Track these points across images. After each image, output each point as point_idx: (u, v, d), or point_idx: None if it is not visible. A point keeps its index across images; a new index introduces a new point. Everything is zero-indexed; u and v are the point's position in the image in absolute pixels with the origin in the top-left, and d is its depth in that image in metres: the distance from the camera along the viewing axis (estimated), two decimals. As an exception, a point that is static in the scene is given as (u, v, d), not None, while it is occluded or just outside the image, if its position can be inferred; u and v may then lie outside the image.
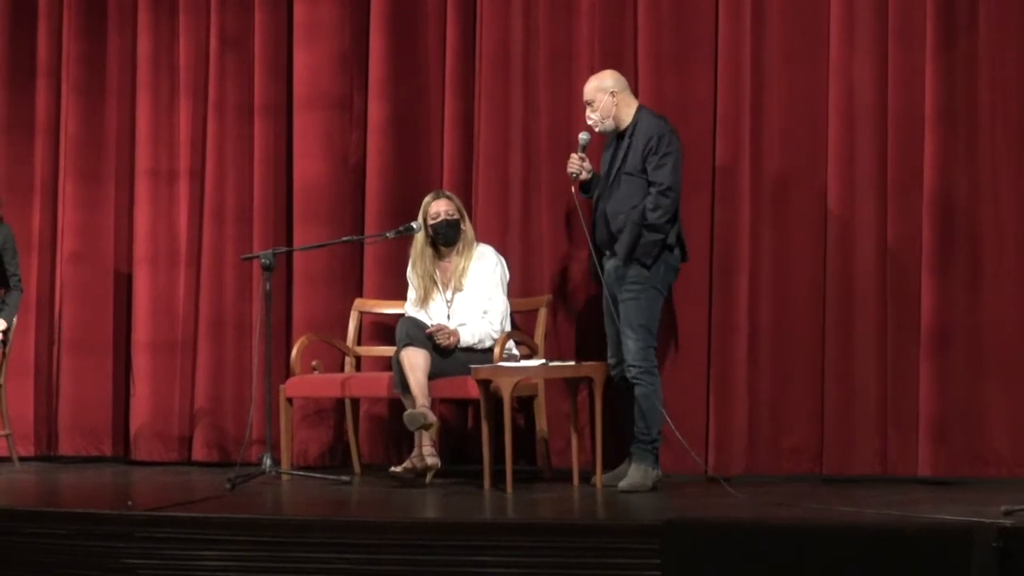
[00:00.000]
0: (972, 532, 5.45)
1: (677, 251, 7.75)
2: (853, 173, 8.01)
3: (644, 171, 7.68)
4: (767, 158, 8.15)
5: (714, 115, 8.22)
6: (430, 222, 8.19)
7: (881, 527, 5.82)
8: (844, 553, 5.51)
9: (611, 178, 7.77)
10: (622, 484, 7.58)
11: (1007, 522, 5.87)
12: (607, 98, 7.76)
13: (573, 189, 7.87)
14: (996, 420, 7.78)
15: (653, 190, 7.64)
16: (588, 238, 7.83)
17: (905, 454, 7.85)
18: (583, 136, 7.83)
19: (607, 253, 7.80)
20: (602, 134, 7.86)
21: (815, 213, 8.08)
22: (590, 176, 7.88)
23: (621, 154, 7.76)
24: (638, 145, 7.69)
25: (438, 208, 8.18)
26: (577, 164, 7.83)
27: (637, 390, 7.64)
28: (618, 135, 7.81)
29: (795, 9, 8.15)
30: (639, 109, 7.81)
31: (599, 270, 7.83)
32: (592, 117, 7.80)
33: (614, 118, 7.78)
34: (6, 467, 8.79)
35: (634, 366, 7.64)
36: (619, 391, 7.85)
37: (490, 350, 7.99)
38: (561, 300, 8.47)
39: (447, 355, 7.97)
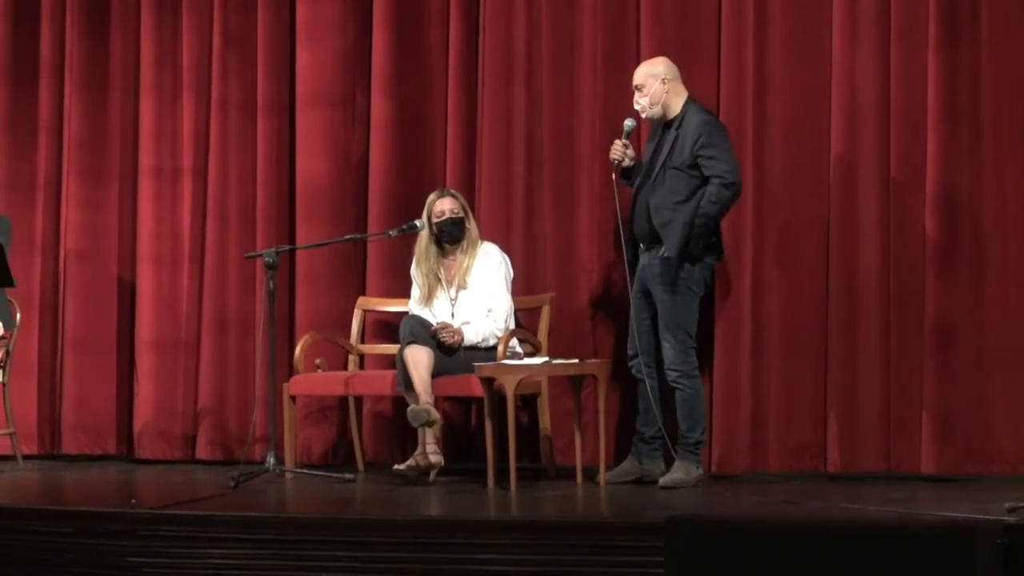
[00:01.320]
0: (976, 529, 5.45)
1: (715, 249, 7.74)
2: (856, 171, 8.01)
3: (692, 166, 7.60)
4: (770, 156, 8.15)
5: (717, 113, 8.20)
6: (434, 220, 8.18)
7: (885, 525, 5.82)
8: (848, 551, 5.51)
9: (655, 170, 7.69)
10: (664, 480, 7.58)
11: (1011, 519, 5.87)
12: (658, 84, 7.69)
13: (614, 176, 7.81)
14: (1000, 417, 7.78)
15: (716, 181, 7.54)
16: (622, 229, 7.76)
17: (909, 451, 7.85)
18: (628, 122, 7.75)
19: (642, 246, 7.76)
20: (649, 120, 7.80)
21: (818, 211, 8.08)
22: (632, 164, 7.83)
23: (667, 146, 7.68)
24: (686, 139, 7.62)
25: (443, 206, 8.18)
26: (620, 151, 7.74)
27: (678, 394, 7.63)
28: (664, 125, 7.75)
29: (797, 7, 8.15)
30: (688, 101, 7.76)
31: (627, 262, 7.81)
32: (641, 102, 7.71)
33: (663, 105, 7.71)
34: (10, 465, 8.80)
35: (673, 369, 7.63)
36: (627, 385, 7.84)
37: (494, 348, 7.99)
38: (564, 298, 8.46)
39: (451, 353, 7.97)
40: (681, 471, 7.61)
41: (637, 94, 7.72)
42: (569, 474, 7.85)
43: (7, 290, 8.80)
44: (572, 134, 8.43)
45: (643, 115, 7.75)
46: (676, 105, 7.72)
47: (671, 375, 7.65)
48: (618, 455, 7.94)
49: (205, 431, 9.06)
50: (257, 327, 8.78)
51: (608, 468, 7.78)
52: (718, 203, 7.56)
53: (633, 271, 7.84)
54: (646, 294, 7.75)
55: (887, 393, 7.91)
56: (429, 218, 8.19)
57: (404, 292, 8.45)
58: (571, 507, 7.25)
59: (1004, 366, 7.79)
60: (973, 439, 7.79)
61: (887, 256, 7.96)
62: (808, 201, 8.10)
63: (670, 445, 7.65)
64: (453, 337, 7.98)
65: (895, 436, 7.89)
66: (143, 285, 9.24)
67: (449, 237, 8.18)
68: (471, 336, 8.04)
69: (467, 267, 8.18)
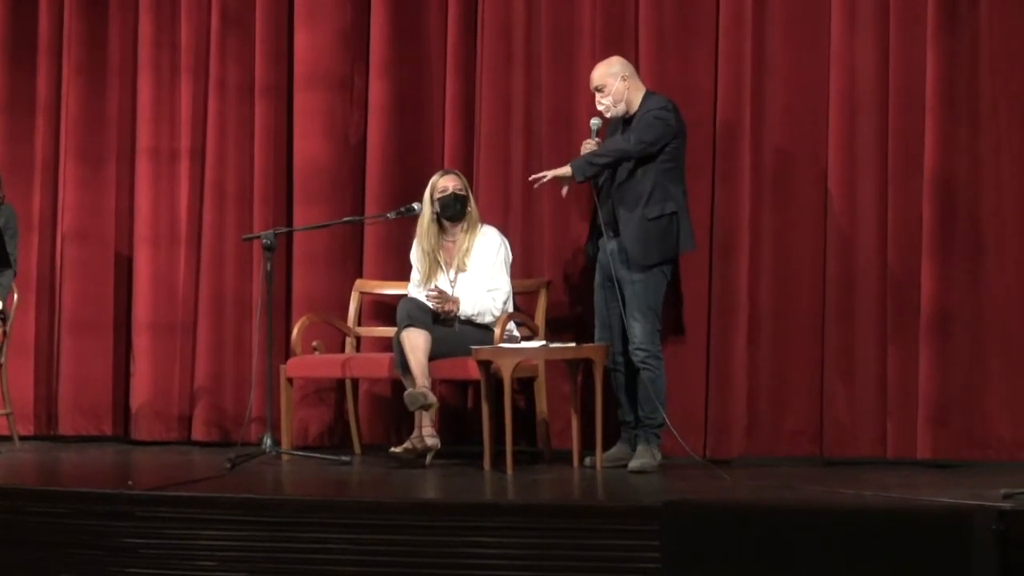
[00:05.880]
0: (972, 515, 5.46)
1: (684, 237, 7.75)
2: (854, 156, 8.01)
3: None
4: (768, 141, 8.15)
5: (715, 98, 8.22)
6: (437, 196, 8.15)
7: (881, 510, 5.83)
8: (843, 535, 5.52)
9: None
10: (632, 464, 7.61)
11: (1007, 505, 5.87)
12: (618, 83, 7.76)
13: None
14: (996, 403, 7.79)
15: (633, 138, 7.64)
16: (602, 220, 7.81)
17: (905, 437, 7.85)
18: (595, 121, 7.80)
19: (610, 233, 7.79)
20: (612, 119, 7.85)
21: (816, 196, 8.08)
22: None
23: None
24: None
25: (446, 183, 8.16)
26: (594, 147, 7.80)
27: (644, 374, 7.66)
28: (624, 121, 7.80)
29: (796, -8, 8.16)
30: (647, 94, 7.81)
31: (588, 255, 7.92)
32: (603, 102, 7.79)
33: (625, 102, 7.78)
34: (7, 446, 8.81)
35: (642, 349, 7.65)
36: (607, 375, 7.83)
37: (491, 330, 7.97)
38: (562, 282, 8.47)
39: (447, 325, 7.96)
40: (647, 455, 7.66)
41: (599, 95, 7.81)
42: (565, 458, 7.86)
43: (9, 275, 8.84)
44: (571, 117, 8.42)
45: (607, 114, 7.82)
46: (637, 100, 7.80)
47: (639, 355, 7.67)
48: (615, 439, 7.93)
49: (201, 412, 9.07)
50: (254, 308, 8.78)
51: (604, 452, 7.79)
52: (617, 151, 7.64)
53: (594, 265, 7.91)
54: (611, 281, 7.77)
55: (883, 378, 7.92)
56: (431, 195, 8.17)
57: (402, 275, 8.45)
58: (567, 491, 7.25)
59: (1001, 352, 7.79)
60: (969, 425, 7.79)
61: (884, 242, 7.96)
62: (805, 186, 8.10)
63: (671, 426, 7.66)
64: (446, 304, 7.96)
65: (891, 421, 7.89)
66: (140, 266, 9.24)
67: (451, 214, 8.16)
68: (467, 309, 8.02)
69: (467, 248, 8.17)
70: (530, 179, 7.88)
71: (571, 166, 7.71)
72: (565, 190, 7.82)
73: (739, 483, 7.11)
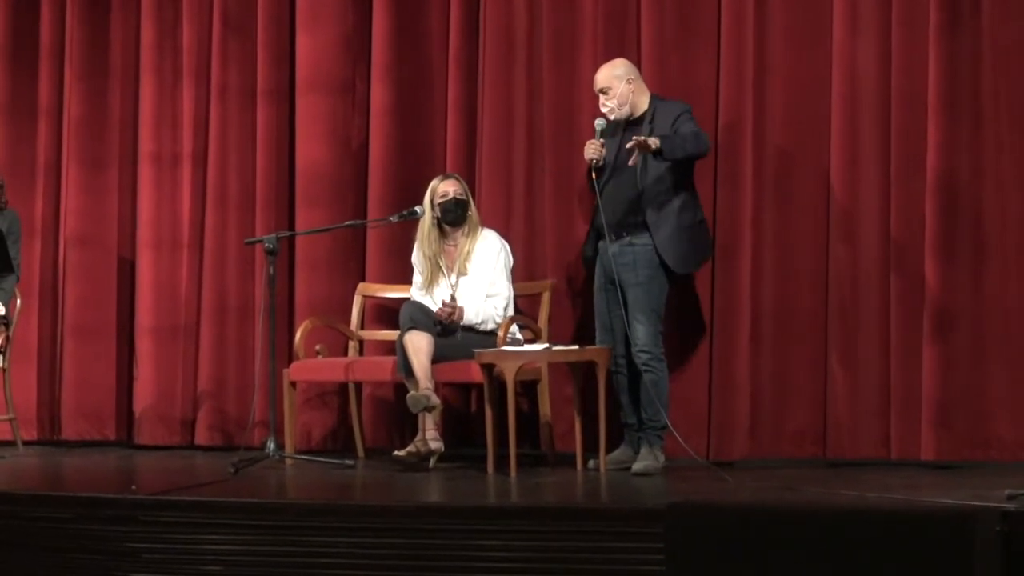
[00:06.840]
0: (975, 516, 5.46)
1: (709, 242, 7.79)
2: (856, 157, 8.01)
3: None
4: (770, 142, 8.15)
5: (716, 98, 8.21)
6: (438, 201, 8.17)
7: (884, 511, 5.83)
8: (847, 537, 5.51)
9: (626, 165, 7.69)
10: (636, 467, 7.61)
11: (1010, 506, 5.86)
12: (624, 85, 7.75)
13: (594, 176, 7.81)
14: (999, 404, 7.78)
15: (704, 138, 7.63)
16: (604, 222, 7.78)
17: (908, 438, 7.85)
18: (600, 122, 7.78)
19: (612, 236, 7.78)
20: (614, 121, 7.84)
21: (818, 197, 8.08)
22: (601, 164, 7.84)
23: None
24: (663, 126, 7.67)
25: (447, 188, 8.17)
26: (598, 149, 7.76)
27: (647, 376, 7.65)
28: (629, 123, 7.79)
29: (798, -8, 8.16)
30: (653, 97, 7.81)
31: (585, 258, 7.96)
32: (608, 104, 7.77)
33: (631, 105, 7.77)
34: (10, 451, 8.81)
35: (645, 352, 7.65)
36: (609, 377, 7.83)
37: (493, 333, 7.98)
38: (565, 284, 8.47)
39: (450, 333, 7.97)
40: (651, 457, 7.66)
41: (603, 97, 7.78)
42: (569, 460, 7.86)
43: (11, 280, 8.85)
44: (572, 120, 8.42)
45: (612, 117, 7.79)
46: (643, 102, 7.80)
47: (642, 357, 7.66)
48: (618, 442, 7.93)
49: (204, 416, 9.08)
50: (256, 312, 8.79)
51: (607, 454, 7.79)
52: (702, 145, 7.59)
53: (591, 267, 7.91)
54: (612, 284, 7.77)
55: (886, 379, 7.91)
56: (432, 200, 8.18)
57: (404, 278, 8.45)
58: (571, 493, 7.24)
59: (1003, 353, 7.78)
60: (972, 426, 7.79)
61: (887, 242, 7.95)
62: (808, 187, 8.10)
63: (673, 429, 7.66)
64: (451, 316, 7.96)
65: (894, 422, 7.89)
66: (143, 271, 9.25)
67: (452, 218, 8.17)
68: (471, 316, 8.04)
69: (467, 252, 8.18)
70: (632, 140, 7.55)
71: (661, 140, 7.56)
72: (635, 158, 7.65)
73: (742, 485, 7.11)
